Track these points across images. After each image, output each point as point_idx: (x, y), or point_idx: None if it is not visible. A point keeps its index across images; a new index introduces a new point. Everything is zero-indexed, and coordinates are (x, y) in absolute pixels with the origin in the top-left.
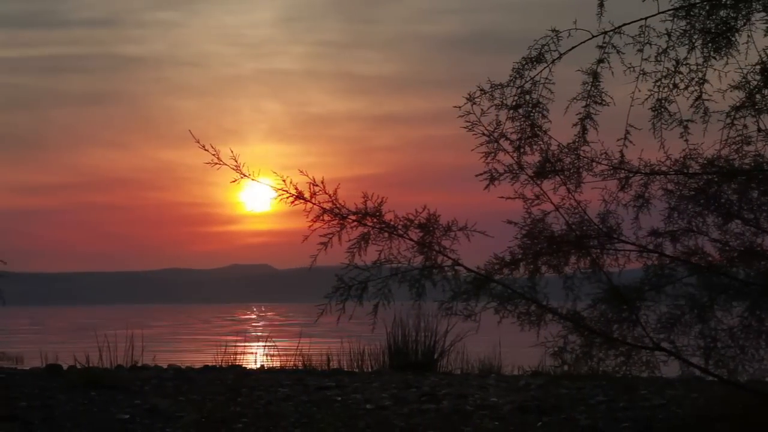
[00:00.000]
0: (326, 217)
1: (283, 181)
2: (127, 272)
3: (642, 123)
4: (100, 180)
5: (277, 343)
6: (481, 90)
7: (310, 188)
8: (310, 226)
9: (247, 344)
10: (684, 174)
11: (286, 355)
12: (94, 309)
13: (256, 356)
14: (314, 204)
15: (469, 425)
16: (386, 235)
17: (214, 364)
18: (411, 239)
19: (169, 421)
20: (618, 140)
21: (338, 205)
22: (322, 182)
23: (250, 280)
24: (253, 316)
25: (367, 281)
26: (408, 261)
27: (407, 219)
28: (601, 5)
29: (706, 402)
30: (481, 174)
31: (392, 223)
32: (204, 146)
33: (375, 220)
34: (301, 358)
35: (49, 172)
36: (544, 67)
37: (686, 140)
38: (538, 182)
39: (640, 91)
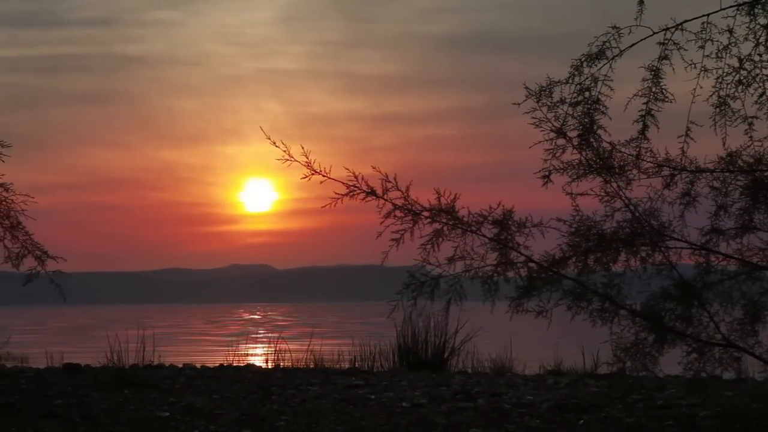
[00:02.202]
0: (398, 214)
1: (355, 177)
2: (127, 272)
3: (699, 119)
4: (100, 180)
5: (287, 343)
6: (529, 92)
7: (382, 185)
8: (381, 222)
9: (255, 344)
10: (730, 171)
11: (297, 354)
12: (94, 309)
13: (268, 355)
14: (386, 200)
15: (511, 423)
16: (459, 231)
17: (228, 363)
18: (484, 236)
19: (209, 418)
20: (679, 137)
21: (410, 202)
22: (395, 179)
23: (250, 280)
24: (258, 316)
25: (440, 278)
26: (481, 258)
27: (481, 215)
28: (641, 2)
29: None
30: (539, 171)
31: (465, 219)
32: (275, 143)
33: (448, 216)
34: (312, 357)
35: (49, 172)
36: (604, 64)
37: (750, 137)
38: (608, 179)
39: (702, 87)
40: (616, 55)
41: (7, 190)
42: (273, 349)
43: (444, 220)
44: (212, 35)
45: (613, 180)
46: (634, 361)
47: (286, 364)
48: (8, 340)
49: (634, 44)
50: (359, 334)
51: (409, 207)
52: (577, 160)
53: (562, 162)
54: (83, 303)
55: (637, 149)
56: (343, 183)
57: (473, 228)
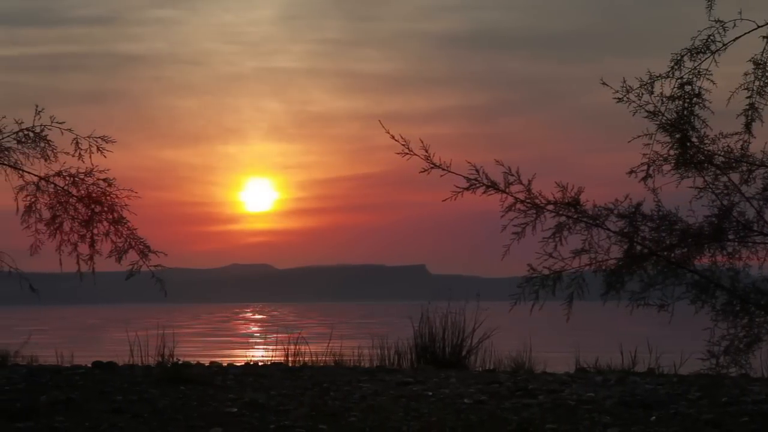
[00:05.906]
0: (520, 207)
1: (476, 170)
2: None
3: None
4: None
5: (307, 342)
6: (630, 87)
7: (504, 178)
8: (503, 216)
9: (274, 343)
10: None
11: (319, 352)
12: (95, 309)
13: (291, 354)
14: (508, 194)
15: (582, 419)
16: (582, 225)
17: (253, 361)
18: (609, 229)
19: (278, 414)
20: None
21: (532, 195)
22: (517, 172)
23: (250, 279)
24: (262, 316)
25: (562, 271)
26: (605, 251)
27: (606, 208)
28: None
29: None
30: (637, 167)
31: (590, 213)
32: (393, 136)
33: (573, 210)
34: (333, 356)
35: None
36: (707, 57)
37: None
38: (728, 174)
39: None
40: (719, 49)
41: (110, 185)
42: (294, 348)
43: (569, 214)
44: (213, 34)
45: (725, 174)
46: (727, 357)
47: (312, 361)
48: (29, 339)
49: (737, 38)
50: (367, 334)
51: (532, 200)
52: (679, 155)
53: (658, 154)
54: (83, 303)
55: (742, 143)
56: (463, 176)
57: (599, 221)
